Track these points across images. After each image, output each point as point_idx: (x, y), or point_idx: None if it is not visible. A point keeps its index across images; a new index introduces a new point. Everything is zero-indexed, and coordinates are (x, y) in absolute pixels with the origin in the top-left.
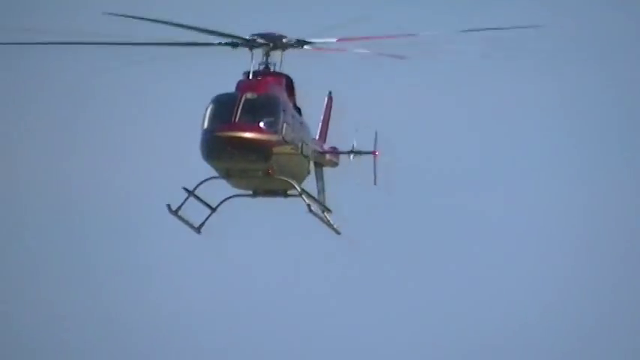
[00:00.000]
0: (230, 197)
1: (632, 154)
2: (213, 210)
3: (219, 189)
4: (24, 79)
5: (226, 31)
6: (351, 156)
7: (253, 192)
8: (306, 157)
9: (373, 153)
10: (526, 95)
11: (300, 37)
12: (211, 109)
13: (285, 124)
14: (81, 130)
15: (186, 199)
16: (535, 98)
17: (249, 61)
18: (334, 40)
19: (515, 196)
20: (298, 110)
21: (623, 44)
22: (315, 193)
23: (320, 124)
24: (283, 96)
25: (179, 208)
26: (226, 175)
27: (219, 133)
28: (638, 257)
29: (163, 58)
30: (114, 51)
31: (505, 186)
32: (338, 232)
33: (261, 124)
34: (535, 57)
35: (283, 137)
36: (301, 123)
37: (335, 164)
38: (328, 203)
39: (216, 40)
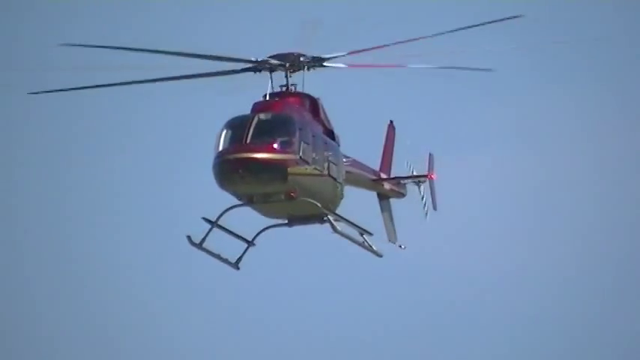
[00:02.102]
0: (266, 228)
1: None
2: (250, 243)
3: (252, 220)
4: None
5: (239, 56)
6: (421, 187)
7: (288, 220)
8: (334, 178)
9: (429, 176)
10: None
11: (315, 54)
12: (223, 132)
13: (302, 143)
14: (95, 161)
15: (209, 231)
16: None
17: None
18: (345, 53)
19: None
20: (330, 133)
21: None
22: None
23: (381, 155)
24: (302, 115)
25: (203, 240)
26: (248, 201)
27: (229, 156)
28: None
29: (180, 89)
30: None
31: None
32: (379, 255)
33: (275, 144)
34: None
35: (301, 157)
36: (326, 143)
37: (401, 195)
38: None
39: (236, 66)
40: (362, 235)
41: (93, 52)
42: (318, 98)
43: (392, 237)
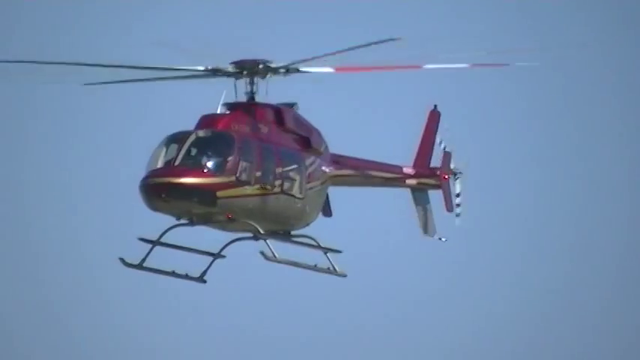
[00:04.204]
0: (233, 241)
1: None
2: (217, 255)
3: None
4: None
5: (202, 65)
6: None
7: (253, 235)
8: (291, 195)
9: (442, 177)
10: None
11: (291, 65)
12: (157, 150)
13: (242, 163)
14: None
15: (150, 250)
16: None
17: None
18: (332, 69)
19: None
20: (305, 142)
21: None
22: None
23: (419, 144)
24: (254, 130)
25: (143, 260)
26: (189, 221)
27: (152, 180)
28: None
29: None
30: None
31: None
32: (342, 275)
33: (205, 167)
34: None
35: (238, 177)
36: (284, 158)
37: (435, 187)
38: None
39: (194, 68)
40: (326, 254)
41: None
42: (293, 105)
43: (428, 230)
